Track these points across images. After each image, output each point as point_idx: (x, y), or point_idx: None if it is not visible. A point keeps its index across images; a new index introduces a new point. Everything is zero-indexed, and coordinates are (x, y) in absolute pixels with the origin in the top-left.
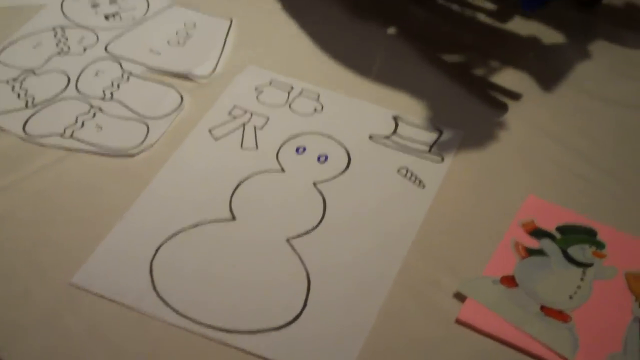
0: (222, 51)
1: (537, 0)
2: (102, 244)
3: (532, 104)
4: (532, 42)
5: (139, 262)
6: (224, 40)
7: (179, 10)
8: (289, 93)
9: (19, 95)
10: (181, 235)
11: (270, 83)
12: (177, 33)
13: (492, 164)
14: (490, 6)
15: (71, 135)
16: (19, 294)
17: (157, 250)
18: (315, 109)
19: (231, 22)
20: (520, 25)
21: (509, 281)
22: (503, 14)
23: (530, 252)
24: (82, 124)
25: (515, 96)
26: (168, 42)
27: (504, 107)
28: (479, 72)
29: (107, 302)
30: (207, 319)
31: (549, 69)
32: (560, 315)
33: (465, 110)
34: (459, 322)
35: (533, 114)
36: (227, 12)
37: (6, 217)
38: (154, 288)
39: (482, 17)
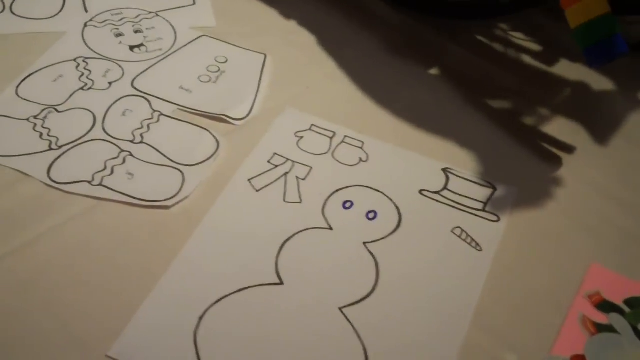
0: (257, 91)
1: (605, 57)
2: (138, 313)
3: (586, 158)
4: (581, 88)
5: (181, 332)
6: (259, 79)
7: (209, 42)
8: (331, 140)
9: (41, 135)
10: (225, 302)
11: (311, 128)
12: (208, 68)
13: (550, 226)
14: (535, 47)
15: (100, 183)
16: None
17: (200, 319)
18: (360, 159)
19: (265, 57)
20: (566, 69)
21: None
22: (549, 56)
23: (599, 328)
24: (112, 171)
25: (568, 149)
26: (199, 78)
27: (558, 161)
28: (527, 120)
29: None
30: None
31: (600, 119)
32: None
33: (517, 163)
34: None
35: (588, 170)
36: (258, 45)
37: (32, 280)
38: None
39: (527, 59)
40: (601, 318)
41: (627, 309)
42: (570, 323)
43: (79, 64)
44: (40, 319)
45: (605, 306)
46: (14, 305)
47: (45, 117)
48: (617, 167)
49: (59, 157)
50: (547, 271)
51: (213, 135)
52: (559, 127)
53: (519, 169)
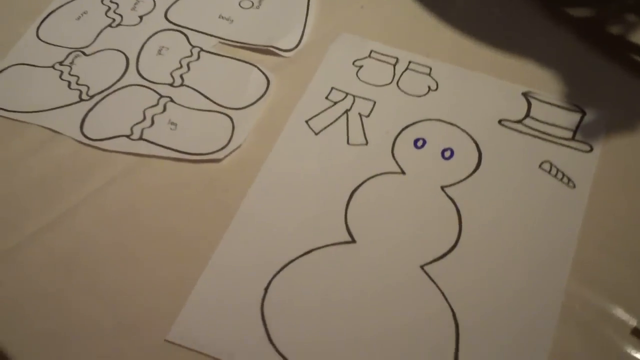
0: (307, 15)
1: None
2: (197, 287)
3: None
4: None
5: (246, 307)
6: (307, 1)
7: None
8: (394, 67)
9: (69, 85)
10: (292, 268)
11: (370, 55)
12: None
13: None
14: None
15: (141, 137)
16: (110, 356)
17: (266, 290)
18: (429, 87)
19: None
20: None
21: None
22: None
23: None
24: (152, 121)
25: None
26: (240, 3)
27: None
28: (614, 29)
29: None
30: None
31: None
32: None
33: (606, 81)
34: None
35: None
36: None
37: (73, 256)
38: (271, 341)
39: None
40: None
41: None
42: None
43: None
44: (86, 302)
45: None
46: (55, 288)
47: (72, 62)
48: None
49: (92, 108)
50: None
51: (262, 71)
52: None
53: (610, 88)
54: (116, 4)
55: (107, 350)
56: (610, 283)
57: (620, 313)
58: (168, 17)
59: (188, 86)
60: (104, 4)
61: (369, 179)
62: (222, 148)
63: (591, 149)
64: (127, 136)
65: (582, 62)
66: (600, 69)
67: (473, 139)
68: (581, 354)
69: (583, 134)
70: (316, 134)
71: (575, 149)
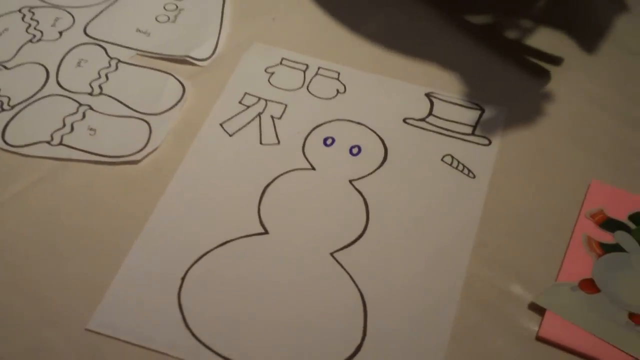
0: (220, 27)
1: None
2: (116, 279)
3: (576, 69)
4: None
5: (164, 296)
6: (220, 14)
7: None
8: (304, 73)
9: None
10: (208, 258)
11: (282, 62)
12: (165, 7)
13: (545, 144)
14: None
15: (61, 142)
16: (34, 347)
17: (182, 280)
18: (337, 91)
19: None
20: None
21: (589, 286)
22: None
23: (606, 248)
24: (72, 128)
25: (556, 61)
26: (156, 18)
27: (546, 75)
28: (511, 34)
29: (136, 348)
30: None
31: (586, 26)
32: None
33: (503, 81)
34: (540, 339)
35: (579, 81)
36: None
37: (2, 250)
38: (187, 327)
39: None
40: (607, 237)
41: (632, 225)
42: (574, 246)
43: (24, 15)
44: (10, 296)
45: (609, 224)
46: None
47: None
48: (610, 76)
49: (13, 117)
50: (546, 193)
51: (177, 79)
52: (543, 38)
53: (507, 87)
54: (37, 21)
55: (31, 341)
56: (508, 263)
57: (517, 289)
58: (87, 32)
59: (107, 95)
60: (24, 21)
61: (280, 175)
62: (140, 150)
63: (490, 143)
64: (48, 142)
65: (481, 64)
66: (497, 70)
67: (379, 136)
68: (483, 328)
69: (482, 129)
70: (230, 135)
71: (475, 142)
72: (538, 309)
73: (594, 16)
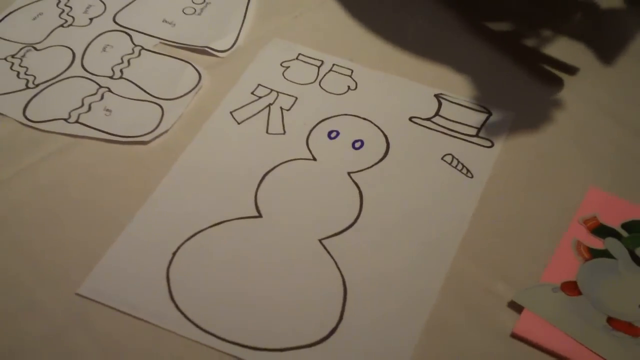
0: (243, 21)
1: None
2: (111, 249)
3: (590, 79)
4: (587, 7)
5: (154, 269)
6: (245, 9)
7: None
8: (318, 69)
9: (18, 74)
10: (200, 237)
11: (298, 57)
12: (193, 0)
13: (548, 150)
14: None
15: (77, 120)
16: (24, 306)
17: (174, 255)
18: (348, 87)
19: None
20: None
21: (571, 288)
22: None
23: (594, 253)
24: (89, 108)
25: (571, 70)
26: (183, 10)
27: (559, 83)
28: (529, 42)
29: (121, 315)
30: (232, 335)
31: (607, 39)
32: (629, 329)
33: (516, 87)
34: (514, 336)
35: (592, 91)
36: None
37: (3, 219)
38: (172, 299)
39: None
40: (597, 243)
41: (625, 233)
42: (563, 249)
43: (59, 1)
44: (8, 258)
45: (601, 231)
46: None
47: (23, 55)
48: (624, 88)
49: (36, 95)
50: (542, 197)
51: (195, 68)
52: (562, 49)
53: (518, 93)
54: (70, 7)
55: (22, 301)
56: (495, 262)
57: (500, 288)
58: (116, 20)
59: (126, 79)
60: (58, 7)
61: (281, 163)
62: (150, 132)
63: (492, 145)
64: (65, 119)
65: (493, 69)
66: (509, 75)
67: (383, 132)
68: (459, 322)
69: (486, 132)
70: (239, 123)
71: (477, 144)
72: (517, 308)
73: (618, 30)
